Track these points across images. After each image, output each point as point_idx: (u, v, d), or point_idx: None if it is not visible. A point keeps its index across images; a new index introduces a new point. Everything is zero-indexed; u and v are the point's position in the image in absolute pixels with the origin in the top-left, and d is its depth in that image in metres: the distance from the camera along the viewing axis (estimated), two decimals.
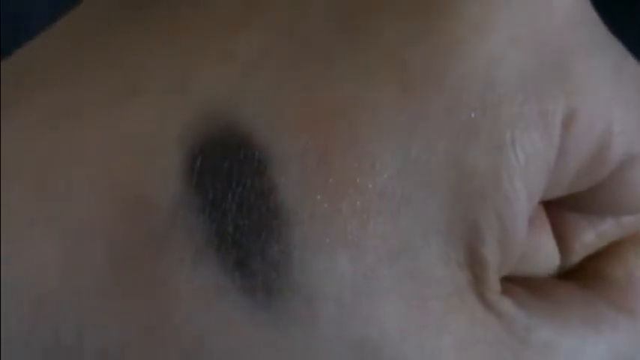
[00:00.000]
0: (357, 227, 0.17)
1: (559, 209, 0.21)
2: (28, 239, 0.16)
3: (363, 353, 0.17)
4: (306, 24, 0.17)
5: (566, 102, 0.18)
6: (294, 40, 0.17)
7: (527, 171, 0.17)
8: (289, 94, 0.16)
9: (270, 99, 0.16)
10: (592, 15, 0.19)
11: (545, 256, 0.21)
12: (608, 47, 0.19)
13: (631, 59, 0.19)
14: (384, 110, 0.17)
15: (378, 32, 0.17)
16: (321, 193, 0.16)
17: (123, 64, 0.17)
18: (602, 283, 0.20)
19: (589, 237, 0.21)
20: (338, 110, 0.17)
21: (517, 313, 0.18)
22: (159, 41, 0.17)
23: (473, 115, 0.17)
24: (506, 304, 0.18)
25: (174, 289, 0.16)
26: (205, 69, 0.17)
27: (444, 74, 0.17)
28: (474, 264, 0.18)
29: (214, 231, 0.16)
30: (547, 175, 0.18)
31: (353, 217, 0.17)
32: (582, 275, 0.21)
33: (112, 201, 0.16)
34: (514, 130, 0.17)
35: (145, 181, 0.16)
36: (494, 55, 0.17)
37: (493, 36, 0.17)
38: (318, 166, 0.16)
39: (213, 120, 0.16)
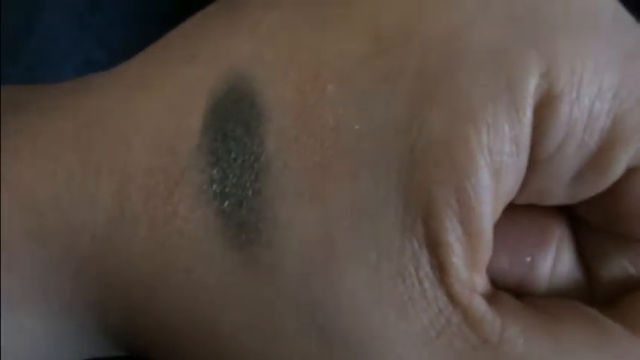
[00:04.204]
0: (321, 184, 0.17)
1: (587, 233, 0.20)
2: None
3: (319, 319, 0.17)
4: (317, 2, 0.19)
5: (540, 78, 0.17)
6: (304, 13, 0.18)
7: (491, 146, 0.17)
8: (285, 56, 0.18)
9: (273, 61, 0.18)
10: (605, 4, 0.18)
11: (568, 276, 0.20)
12: (620, 36, 0.18)
13: None
14: (354, 66, 0.17)
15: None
16: (293, 148, 0.17)
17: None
18: (621, 309, 0.19)
19: (618, 264, 0.20)
20: (320, 69, 0.17)
21: (487, 313, 0.17)
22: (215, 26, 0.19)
23: (435, 80, 0.17)
24: (476, 300, 0.17)
25: (179, 225, 0.18)
26: (234, 39, 0.19)
27: (411, 36, 0.17)
28: (434, 243, 0.17)
29: (211, 175, 0.18)
30: (518, 153, 0.17)
31: (317, 173, 0.17)
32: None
33: (154, 153, 0.18)
34: (475, 101, 0.17)
35: (178, 134, 0.18)
36: (462, 23, 0.17)
37: (462, 3, 0.17)
38: (294, 123, 0.17)
39: (230, 83, 0.18)
